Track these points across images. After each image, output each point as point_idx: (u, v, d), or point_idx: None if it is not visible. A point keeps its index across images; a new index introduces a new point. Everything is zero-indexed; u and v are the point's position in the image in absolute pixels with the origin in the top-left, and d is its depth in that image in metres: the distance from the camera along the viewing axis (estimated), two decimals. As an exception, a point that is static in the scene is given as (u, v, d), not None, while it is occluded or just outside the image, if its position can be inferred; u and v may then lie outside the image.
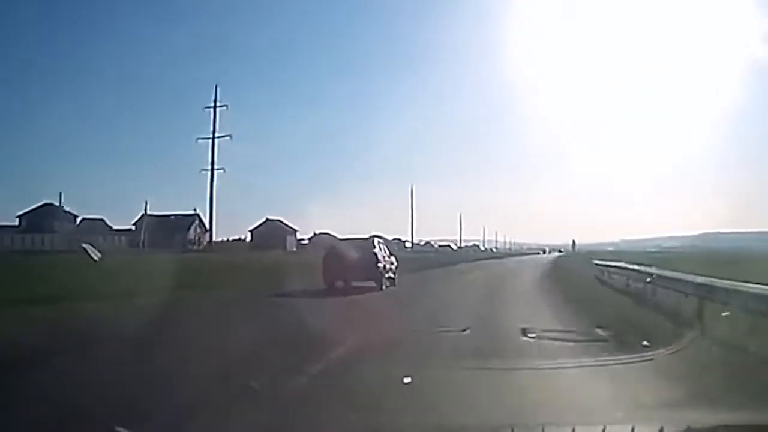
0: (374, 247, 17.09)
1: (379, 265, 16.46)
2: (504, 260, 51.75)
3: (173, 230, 52.15)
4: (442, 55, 72.16)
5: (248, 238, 57.65)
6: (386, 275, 17.02)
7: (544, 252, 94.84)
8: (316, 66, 76.13)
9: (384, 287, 16.37)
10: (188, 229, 55.93)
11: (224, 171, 45.52)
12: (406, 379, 5.01)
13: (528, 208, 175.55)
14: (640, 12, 39.82)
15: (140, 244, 47.15)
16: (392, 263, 18.10)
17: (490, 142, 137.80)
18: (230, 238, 58.11)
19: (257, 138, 79.64)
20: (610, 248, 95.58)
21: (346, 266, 16.11)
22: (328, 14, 66.39)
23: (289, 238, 57.37)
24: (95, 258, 16.25)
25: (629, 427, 3.33)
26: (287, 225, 59.35)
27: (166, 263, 19.88)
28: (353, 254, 16.23)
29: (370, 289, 15.70)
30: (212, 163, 45.57)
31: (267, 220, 58.85)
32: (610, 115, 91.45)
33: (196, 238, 55.46)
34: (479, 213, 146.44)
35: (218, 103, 45.72)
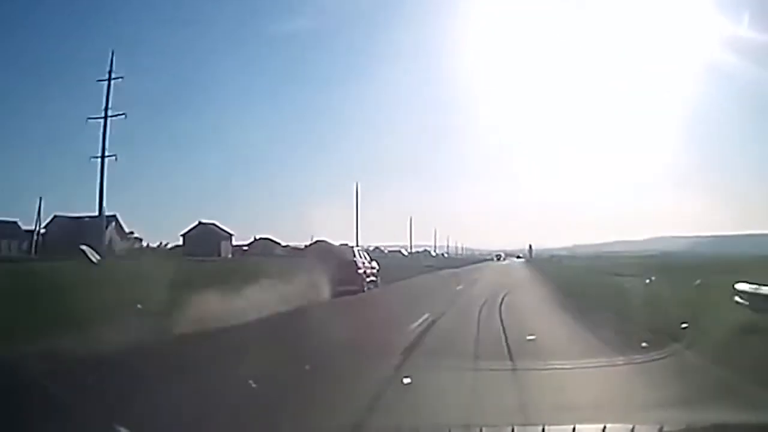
0: (355, 255, 19.06)
1: (360, 271, 18.38)
2: (459, 274, 34.91)
3: (84, 235, 46.50)
4: (393, 57, 71.78)
5: (180, 243, 53.53)
6: (367, 280, 19.04)
7: (499, 258, 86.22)
8: (256, 61, 72.46)
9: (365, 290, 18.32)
10: (103, 234, 51.42)
11: (116, 159, 35.04)
12: (406, 380, 5.04)
13: (480, 212, 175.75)
14: (593, 12, 41.35)
15: (32, 250, 40.60)
16: (373, 268, 20.24)
17: (443, 146, 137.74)
18: (164, 243, 53.98)
19: (186, 136, 74.38)
20: (564, 253, 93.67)
21: (333, 274, 16.98)
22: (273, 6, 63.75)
23: (224, 244, 53.64)
24: (94, 260, 14.82)
25: (629, 427, 3.44)
26: (222, 229, 55.41)
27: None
28: (337, 262, 17.81)
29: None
30: (102, 149, 34.54)
31: (200, 223, 54.76)
32: (565, 119, 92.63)
33: (111, 243, 51.09)
34: (431, 217, 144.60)
35: (113, 74, 33.51)
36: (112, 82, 34.33)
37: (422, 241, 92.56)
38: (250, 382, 4.72)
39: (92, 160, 35.22)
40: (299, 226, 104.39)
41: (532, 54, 55.36)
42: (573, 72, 57.68)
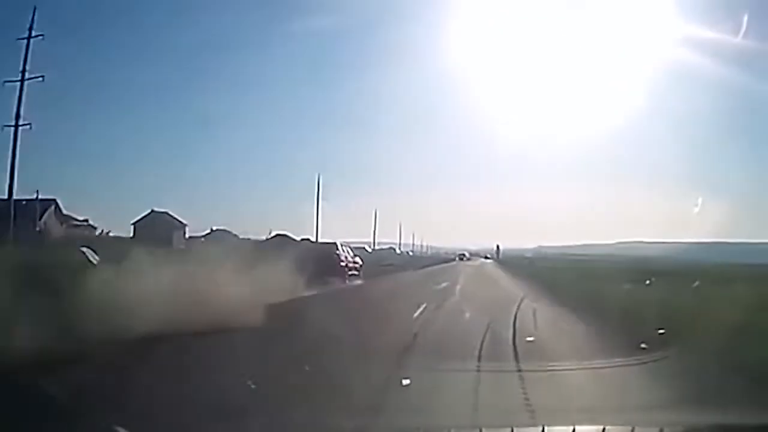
0: (338, 249, 21.52)
1: (342, 264, 20.74)
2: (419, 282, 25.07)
3: (12, 218, 41.59)
4: (359, 57, 69.85)
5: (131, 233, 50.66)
6: (349, 273, 21.31)
7: (462, 258, 73.26)
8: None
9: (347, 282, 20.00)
10: (40, 218, 47.79)
11: (30, 127, 29.89)
12: (405, 381, 4.97)
13: (446, 212, 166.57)
14: (557, 15, 41.92)
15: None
16: (357, 263, 23.01)
17: (412, 145, 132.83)
18: (106, 231, 50.66)
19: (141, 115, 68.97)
20: (530, 254, 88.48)
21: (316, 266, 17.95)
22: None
23: (177, 234, 50.88)
24: (94, 262, 14.01)
25: (629, 429, 3.46)
26: (176, 218, 52.65)
27: None
28: (322, 255, 19.84)
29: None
30: (17, 116, 29.52)
31: (152, 212, 51.83)
32: (531, 120, 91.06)
33: (47, 228, 47.48)
34: (397, 215, 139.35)
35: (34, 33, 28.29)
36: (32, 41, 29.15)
37: (388, 238, 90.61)
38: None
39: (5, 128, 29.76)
40: (257, 220, 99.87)
41: (498, 55, 55.87)
42: (540, 70, 57.78)
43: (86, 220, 50.13)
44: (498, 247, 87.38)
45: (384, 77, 60.19)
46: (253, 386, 4.76)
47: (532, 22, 42.42)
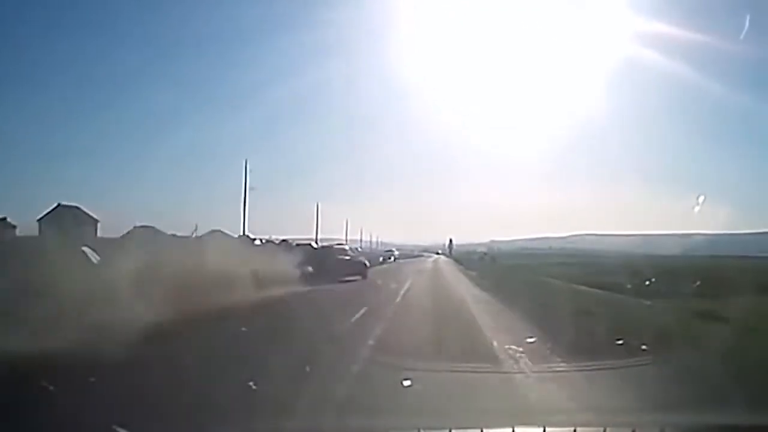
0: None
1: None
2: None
3: None
4: (308, 48, 66.58)
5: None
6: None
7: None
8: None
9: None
10: None
11: None
12: (406, 383, 4.90)
13: (396, 207, 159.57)
14: (508, 11, 42.49)
15: None
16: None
17: (361, 138, 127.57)
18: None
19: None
20: (482, 249, 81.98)
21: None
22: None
23: (87, 230, 45.47)
24: (94, 261, 12.46)
25: (630, 430, 3.44)
26: (88, 214, 48.59)
27: None
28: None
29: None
30: None
31: (59, 205, 47.56)
32: (483, 115, 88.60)
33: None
34: (344, 210, 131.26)
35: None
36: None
37: (334, 234, 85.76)
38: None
39: None
40: (182, 214, 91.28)
41: (453, 51, 56.09)
42: (494, 64, 58.42)
43: (4, 218, 43.98)
44: (450, 241, 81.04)
45: (333, 72, 59.22)
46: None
47: (487, 18, 42.50)
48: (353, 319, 10.23)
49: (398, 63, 56.43)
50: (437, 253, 76.88)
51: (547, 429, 3.26)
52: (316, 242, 45.95)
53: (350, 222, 75.26)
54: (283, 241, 33.36)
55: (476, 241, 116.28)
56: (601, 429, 3.31)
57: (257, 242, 29.74)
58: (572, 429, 3.18)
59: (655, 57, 29.49)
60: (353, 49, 56.88)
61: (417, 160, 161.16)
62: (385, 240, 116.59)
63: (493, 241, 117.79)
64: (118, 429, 3.16)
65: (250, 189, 40.87)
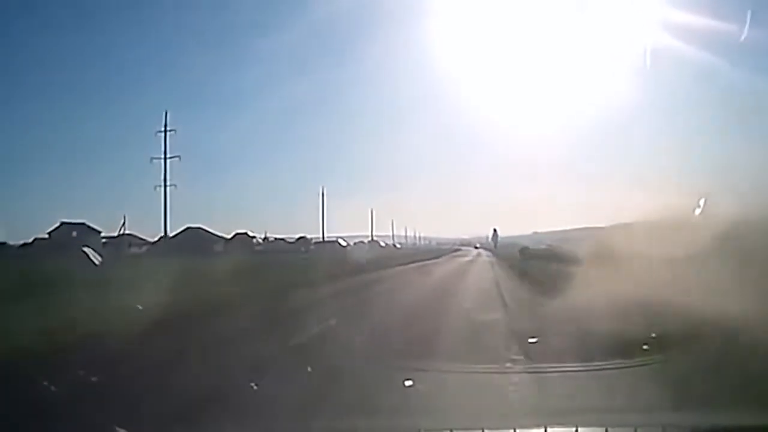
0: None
1: None
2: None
3: None
4: (351, 51, 65.53)
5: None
6: None
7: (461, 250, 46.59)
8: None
9: None
10: None
11: None
12: (407, 383, 4.94)
13: (438, 202, 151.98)
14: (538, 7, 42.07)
15: None
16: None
17: (398, 136, 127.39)
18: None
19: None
20: (526, 242, 73.63)
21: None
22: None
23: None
24: (96, 262, 12.85)
25: (631, 430, 3.45)
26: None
27: None
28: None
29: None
30: None
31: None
32: (523, 108, 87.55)
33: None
34: (390, 208, 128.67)
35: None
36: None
37: (382, 231, 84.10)
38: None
39: None
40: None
41: (485, 46, 55.08)
42: (529, 59, 57.02)
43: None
44: (495, 231, 68.95)
45: (371, 69, 58.53)
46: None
47: (515, 15, 41.88)
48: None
49: (437, 53, 55.38)
50: (476, 247, 67.92)
51: (548, 429, 3.29)
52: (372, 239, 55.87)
53: (394, 219, 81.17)
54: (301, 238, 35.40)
55: (519, 233, 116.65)
56: (602, 430, 3.30)
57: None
58: (573, 429, 3.19)
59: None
60: (390, 37, 56.47)
61: (459, 158, 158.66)
62: (428, 235, 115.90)
63: (536, 233, 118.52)
64: (119, 429, 3.16)
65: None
